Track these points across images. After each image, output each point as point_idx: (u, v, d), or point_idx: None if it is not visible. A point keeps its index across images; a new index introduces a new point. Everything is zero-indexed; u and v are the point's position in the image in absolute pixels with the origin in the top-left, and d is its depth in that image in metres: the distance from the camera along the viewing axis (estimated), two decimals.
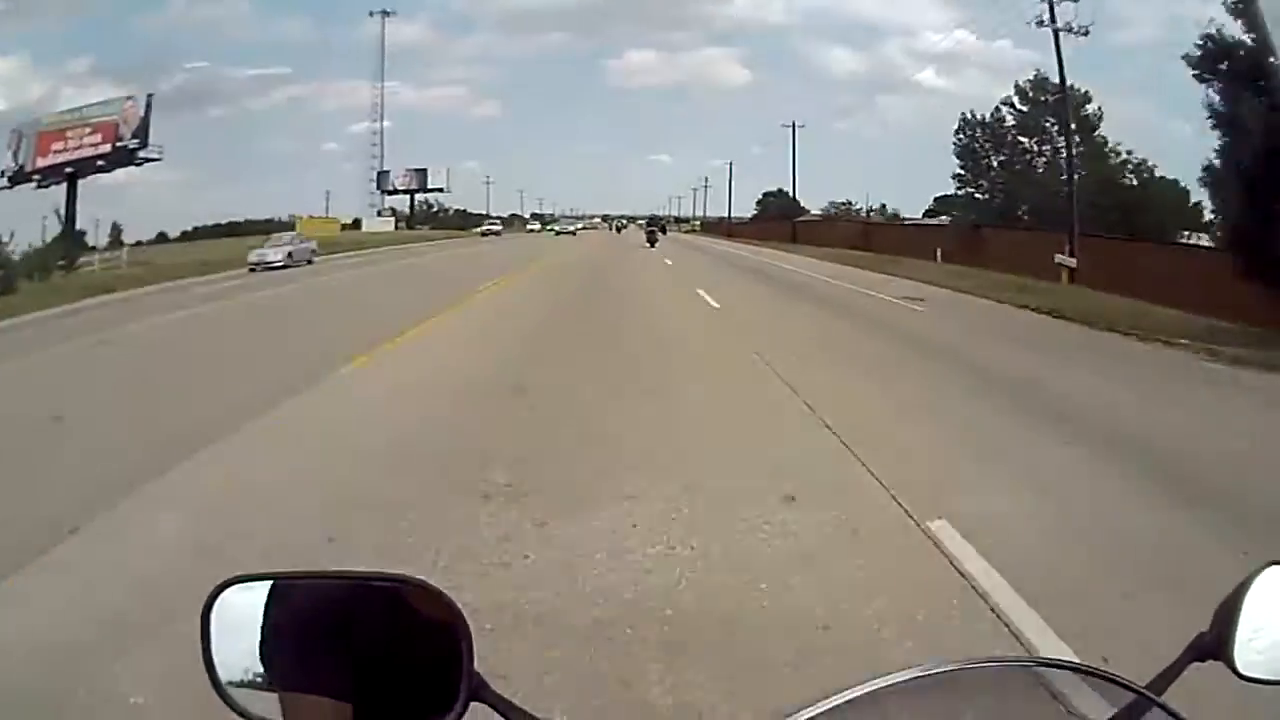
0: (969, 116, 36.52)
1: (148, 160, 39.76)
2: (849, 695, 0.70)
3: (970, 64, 69.05)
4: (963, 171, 36.87)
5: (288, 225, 46.46)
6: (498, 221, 65.05)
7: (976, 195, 35.48)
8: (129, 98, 39.89)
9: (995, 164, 35.32)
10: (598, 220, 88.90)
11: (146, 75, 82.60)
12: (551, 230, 63.82)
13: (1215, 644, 0.88)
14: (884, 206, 55.75)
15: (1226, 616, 0.88)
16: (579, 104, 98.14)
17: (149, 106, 39.48)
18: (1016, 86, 34.70)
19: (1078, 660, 0.77)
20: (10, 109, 50.06)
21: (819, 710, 0.69)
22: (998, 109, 35.60)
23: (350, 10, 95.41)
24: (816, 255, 32.22)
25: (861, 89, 75.65)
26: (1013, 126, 34.99)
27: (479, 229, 61.19)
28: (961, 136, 36.53)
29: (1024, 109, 34.29)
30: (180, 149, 57.08)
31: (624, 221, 71.26)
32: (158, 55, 79.62)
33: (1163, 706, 0.76)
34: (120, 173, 40.19)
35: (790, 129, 48.30)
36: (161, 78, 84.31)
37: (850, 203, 58.65)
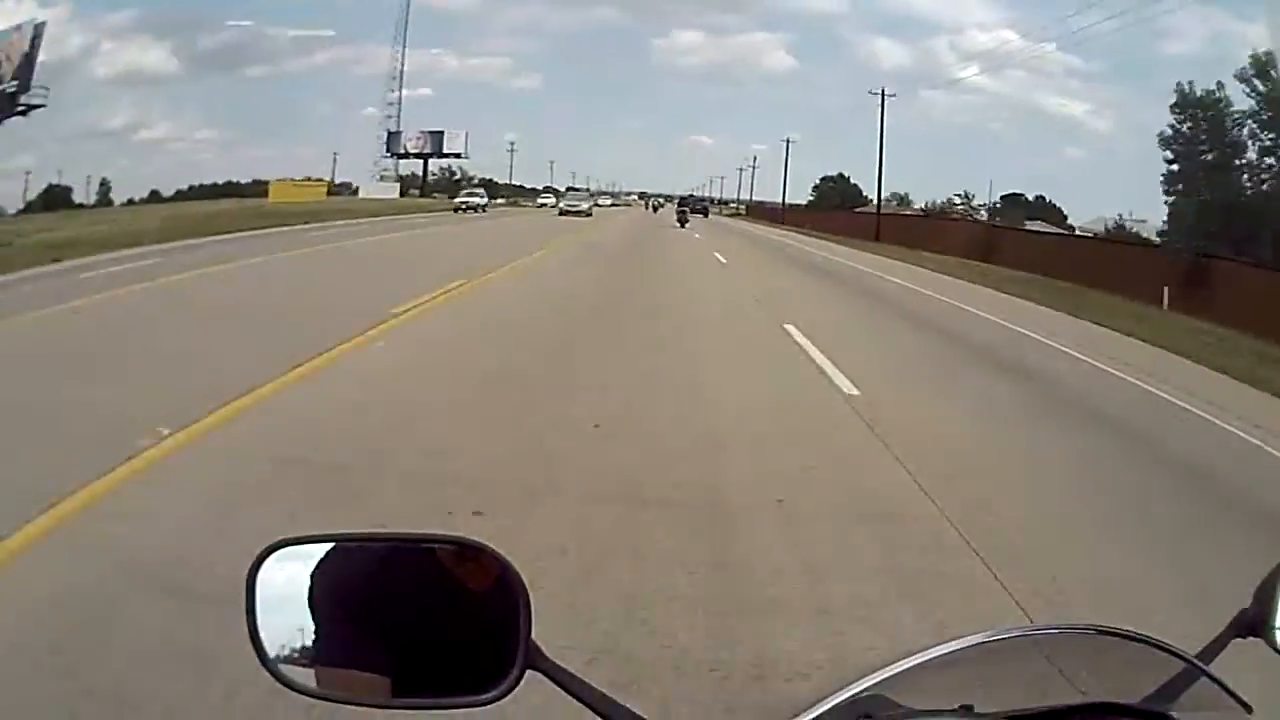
0: (1187, 91, 24.43)
1: (31, 107, 31.74)
2: (925, 656, 0.72)
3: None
4: (1174, 169, 25.01)
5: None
6: (480, 190, 49.61)
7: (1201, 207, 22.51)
8: (17, 27, 31.62)
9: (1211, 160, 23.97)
10: (633, 197, 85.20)
11: (187, 31, 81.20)
12: (559, 207, 47.39)
13: (1257, 621, 0.89)
14: (996, 203, 43.83)
15: (1268, 595, 0.90)
16: (622, 80, 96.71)
17: (37, 40, 31.48)
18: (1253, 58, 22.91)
19: (1133, 629, 0.78)
20: (49, 61, 48.82)
21: (894, 672, 0.71)
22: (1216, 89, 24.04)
23: None
24: (934, 268, 22.85)
25: (907, 80, 73.96)
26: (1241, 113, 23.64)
27: (456, 198, 46.13)
28: (1176, 121, 24.68)
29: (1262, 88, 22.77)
30: (218, 108, 54.43)
31: (661, 200, 66.61)
32: (202, 11, 78.42)
33: (1210, 676, 0.78)
34: (159, 128, 37.15)
35: (879, 97, 40.59)
36: (203, 35, 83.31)
37: (968, 196, 45.71)
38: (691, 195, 64.48)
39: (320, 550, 0.78)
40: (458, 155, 56.69)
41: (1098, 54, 63.20)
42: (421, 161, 56.30)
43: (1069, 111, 67.82)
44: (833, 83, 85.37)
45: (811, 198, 55.99)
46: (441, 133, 54.25)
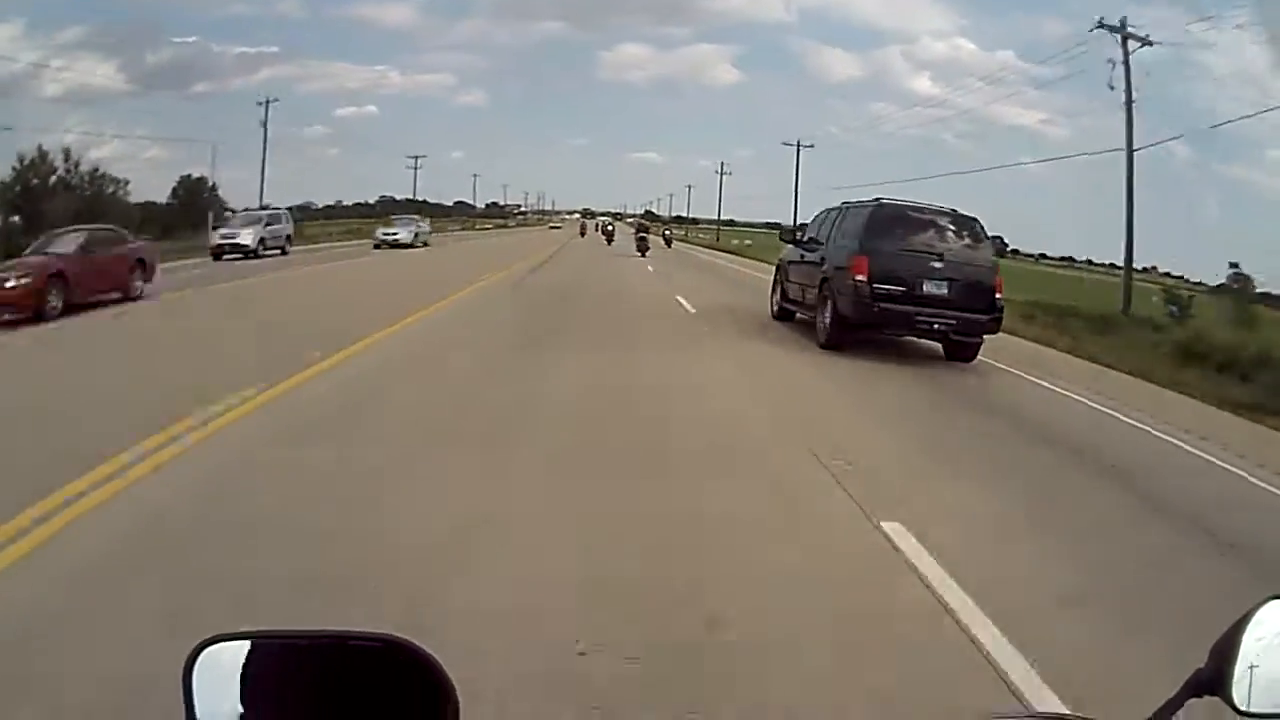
0: None
1: None
2: None
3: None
4: None
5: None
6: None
7: None
8: None
9: None
10: (569, 216, 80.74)
11: (133, 48, 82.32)
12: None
13: (1213, 679, 0.87)
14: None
15: (1224, 651, 0.88)
16: (566, 96, 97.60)
17: None
18: None
19: (1079, 714, 0.75)
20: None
21: None
22: None
23: None
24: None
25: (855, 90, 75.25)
26: None
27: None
28: None
29: None
30: (162, 125, 54.72)
31: (609, 222, 52.64)
32: (147, 28, 79.37)
33: None
34: (108, 148, 36.22)
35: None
36: (148, 50, 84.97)
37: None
38: (648, 212, 59.55)
39: (246, 646, 0.79)
40: None
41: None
42: None
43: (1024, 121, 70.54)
44: (782, 95, 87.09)
45: None
46: None
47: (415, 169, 63.63)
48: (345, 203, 72.92)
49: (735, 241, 61.11)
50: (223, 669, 0.77)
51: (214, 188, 40.64)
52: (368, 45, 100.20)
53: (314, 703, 0.76)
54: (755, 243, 58.51)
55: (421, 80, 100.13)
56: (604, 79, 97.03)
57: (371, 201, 74.28)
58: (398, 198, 71.58)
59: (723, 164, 66.33)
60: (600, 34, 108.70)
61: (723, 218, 70.16)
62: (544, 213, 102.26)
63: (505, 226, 78.24)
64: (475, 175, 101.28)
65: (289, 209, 31.81)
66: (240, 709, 0.76)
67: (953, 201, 10.12)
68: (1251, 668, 0.86)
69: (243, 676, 0.76)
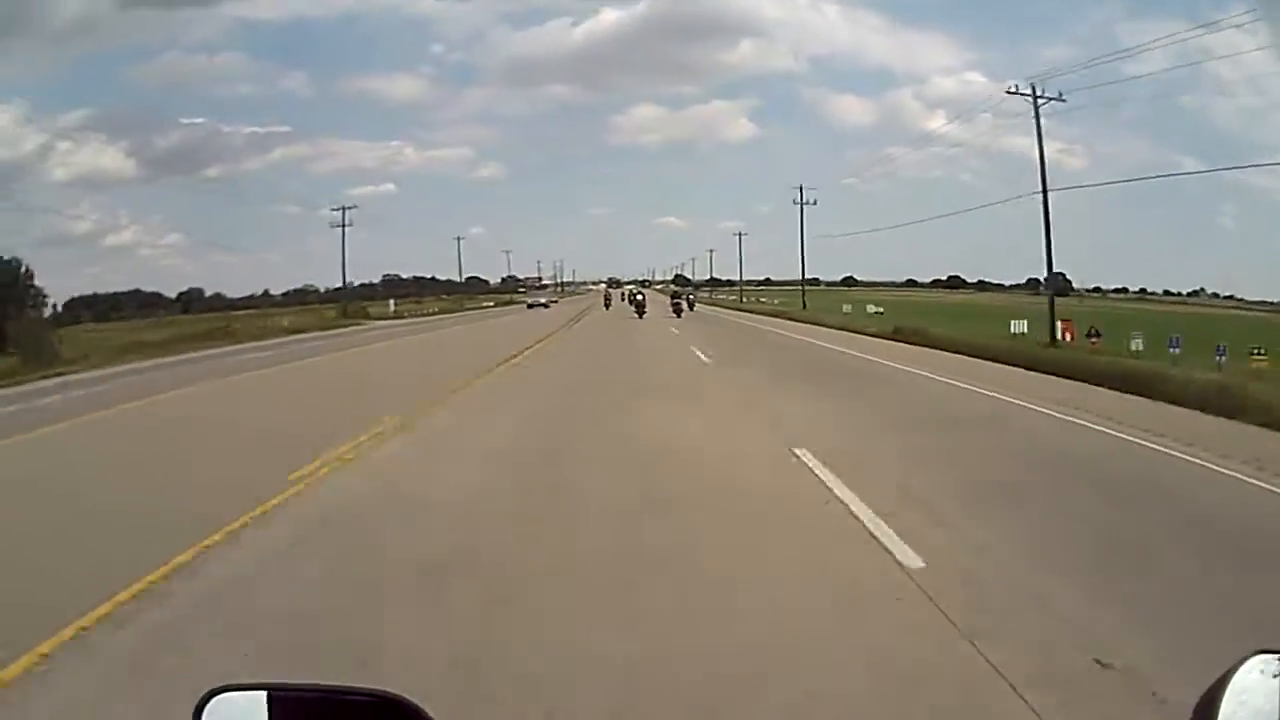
0: None
1: None
2: None
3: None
4: None
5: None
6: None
7: None
8: None
9: None
10: (594, 286, 78.30)
11: (141, 130, 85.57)
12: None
13: None
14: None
15: (1207, 709, 0.87)
16: (582, 162, 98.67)
17: None
18: None
19: None
20: (3, 160, 49.98)
21: None
22: None
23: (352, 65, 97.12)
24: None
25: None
26: None
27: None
28: None
29: None
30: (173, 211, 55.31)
31: (637, 290, 48.86)
32: (154, 109, 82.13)
33: None
34: (127, 233, 36.50)
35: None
36: (157, 133, 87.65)
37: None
38: (678, 276, 60.38)
39: (255, 696, 0.82)
40: None
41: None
42: None
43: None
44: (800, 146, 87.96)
45: None
46: None
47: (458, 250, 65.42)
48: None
49: (764, 301, 58.66)
50: (230, 718, 0.81)
51: None
52: (379, 120, 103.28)
53: None
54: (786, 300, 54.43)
55: (435, 155, 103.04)
56: (620, 144, 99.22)
57: (405, 276, 75.91)
58: (404, 276, 73.59)
59: (740, 233, 66.75)
60: (610, 96, 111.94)
61: (756, 276, 70.22)
62: (565, 285, 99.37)
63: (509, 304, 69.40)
64: (508, 251, 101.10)
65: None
66: None
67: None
68: None
69: None
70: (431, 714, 0.80)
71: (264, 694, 0.82)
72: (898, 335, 21.45)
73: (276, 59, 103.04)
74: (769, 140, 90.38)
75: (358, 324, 37.38)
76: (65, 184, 62.75)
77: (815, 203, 46.15)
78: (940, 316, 31.98)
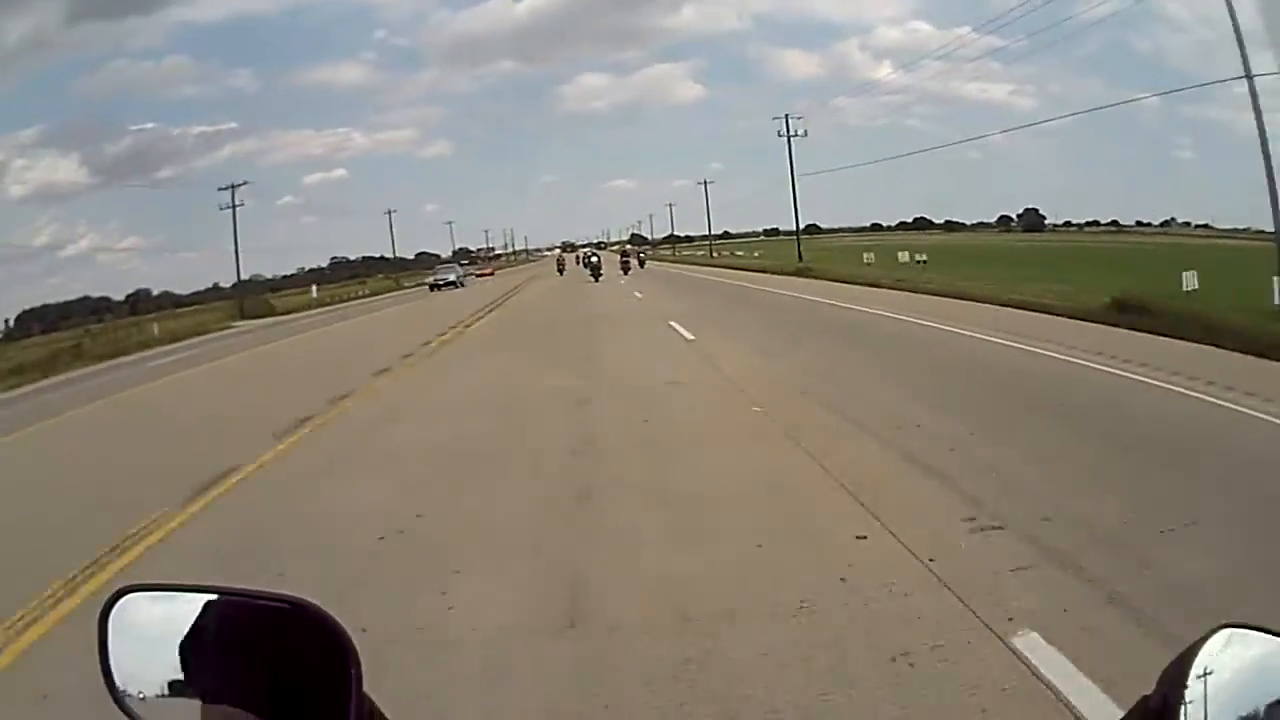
0: None
1: None
2: None
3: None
4: None
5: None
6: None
7: None
8: None
9: None
10: (549, 253, 77.03)
11: (92, 139, 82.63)
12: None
13: (1161, 708, 0.85)
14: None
15: (1174, 679, 0.85)
16: (531, 134, 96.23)
17: None
18: None
19: None
20: None
21: None
22: None
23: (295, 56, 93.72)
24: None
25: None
26: None
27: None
28: None
29: None
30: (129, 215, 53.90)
31: (592, 252, 41.22)
32: (104, 119, 78.59)
33: None
34: (85, 241, 35.06)
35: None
36: (108, 141, 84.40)
37: None
38: (635, 235, 60.05)
39: (167, 598, 0.81)
40: None
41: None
42: None
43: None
44: (747, 104, 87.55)
45: None
46: None
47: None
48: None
49: (741, 254, 53.65)
50: (137, 617, 0.80)
51: None
52: (327, 109, 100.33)
53: (222, 655, 0.79)
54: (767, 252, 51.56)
55: (384, 138, 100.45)
56: (568, 112, 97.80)
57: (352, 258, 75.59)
58: (351, 258, 73.61)
59: (706, 181, 65.62)
60: (555, 66, 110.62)
61: (715, 231, 68.50)
62: (519, 253, 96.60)
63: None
64: (450, 222, 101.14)
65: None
66: (151, 657, 0.78)
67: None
68: (1202, 697, 0.84)
69: (161, 624, 0.78)
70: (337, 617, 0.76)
71: (172, 594, 0.81)
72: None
73: (221, 58, 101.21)
74: (717, 100, 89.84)
75: (260, 320, 32.90)
76: (20, 201, 62.60)
77: (804, 134, 43.91)
78: (1006, 264, 23.34)
